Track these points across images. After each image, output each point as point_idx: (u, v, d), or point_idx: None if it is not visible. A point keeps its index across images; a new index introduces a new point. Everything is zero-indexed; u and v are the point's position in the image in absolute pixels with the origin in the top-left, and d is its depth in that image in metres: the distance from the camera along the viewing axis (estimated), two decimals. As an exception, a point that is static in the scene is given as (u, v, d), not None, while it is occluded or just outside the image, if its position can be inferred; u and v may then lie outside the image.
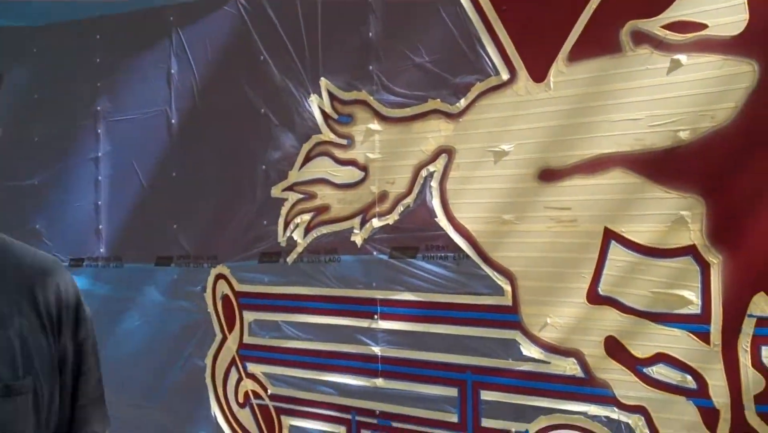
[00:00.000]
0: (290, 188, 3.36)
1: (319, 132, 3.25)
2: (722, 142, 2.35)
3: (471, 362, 2.87)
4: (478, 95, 2.82)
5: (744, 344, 2.35)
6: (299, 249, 3.33)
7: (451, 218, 2.91)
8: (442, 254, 2.94)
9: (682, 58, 2.39)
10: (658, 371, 2.49)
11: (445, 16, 2.87)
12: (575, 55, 2.60)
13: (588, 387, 2.64)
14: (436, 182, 2.93)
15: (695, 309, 2.43)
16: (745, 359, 2.36)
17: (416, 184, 2.98)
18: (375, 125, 3.08)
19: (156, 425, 3.83)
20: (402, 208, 3.02)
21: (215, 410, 3.66)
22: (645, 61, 2.47)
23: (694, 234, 2.41)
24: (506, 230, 2.78)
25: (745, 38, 2.29)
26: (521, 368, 2.76)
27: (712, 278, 2.39)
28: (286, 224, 3.37)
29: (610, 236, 2.57)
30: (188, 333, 3.71)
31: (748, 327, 2.35)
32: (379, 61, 3.06)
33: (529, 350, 2.74)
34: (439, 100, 2.91)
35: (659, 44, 2.44)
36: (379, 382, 3.09)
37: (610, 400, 2.57)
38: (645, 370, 2.51)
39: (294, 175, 3.35)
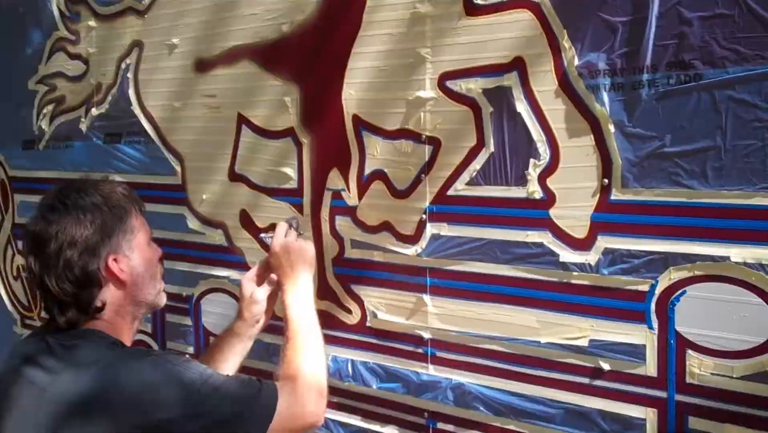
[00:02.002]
0: (40, 81, 3.69)
1: (58, 29, 3.57)
2: (309, 34, 2.63)
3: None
4: (158, -9, 3.10)
5: (324, 214, 2.68)
6: (46, 137, 3.68)
7: (142, 107, 3.23)
8: (137, 139, 3.27)
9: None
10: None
11: None
12: (216, -45, 2.87)
13: (230, 255, 2.98)
14: (131, 74, 3.24)
15: (293, 184, 2.75)
16: (325, 228, 2.68)
17: (119, 76, 3.29)
18: (92, 22, 3.39)
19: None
20: (111, 98, 3.34)
21: (-3, 283, 4.09)
22: (259, -40, 2.73)
23: (292, 117, 2.71)
24: (177, 116, 3.09)
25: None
26: (188, 239, 3.11)
27: (303, 156, 2.71)
28: (38, 114, 3.71)
29: (242, 120, 2.88)
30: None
31: (327, 199, 2.67)
32: (93, -37, 3.36)
33: (192, 223, 3.09)
34: (131, -3, 3.20)
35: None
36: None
37: (243, 265, 2.91)
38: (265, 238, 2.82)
39: (42, 69, 3.67)
